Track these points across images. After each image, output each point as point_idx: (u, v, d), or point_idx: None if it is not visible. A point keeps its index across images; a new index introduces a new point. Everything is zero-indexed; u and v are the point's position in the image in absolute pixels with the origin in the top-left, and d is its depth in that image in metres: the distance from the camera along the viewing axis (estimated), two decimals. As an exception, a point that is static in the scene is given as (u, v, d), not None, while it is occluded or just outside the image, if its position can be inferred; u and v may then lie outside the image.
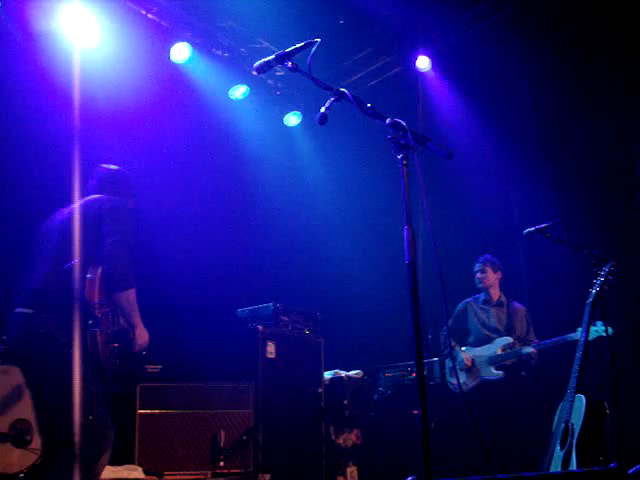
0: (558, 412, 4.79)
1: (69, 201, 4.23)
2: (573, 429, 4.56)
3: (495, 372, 6.60)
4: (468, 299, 7.17)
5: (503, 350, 6.61)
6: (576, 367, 4.72)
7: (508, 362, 6.60)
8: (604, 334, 5.67)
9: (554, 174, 7.33)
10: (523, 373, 6.62)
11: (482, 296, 7.04)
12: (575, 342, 5.79)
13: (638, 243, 6.59)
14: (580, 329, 5.77)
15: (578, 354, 4.78)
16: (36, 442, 4.86)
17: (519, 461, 6.00)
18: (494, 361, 6.63)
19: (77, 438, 3.64)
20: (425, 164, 3.16)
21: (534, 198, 7.40)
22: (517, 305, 6.93)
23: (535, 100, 7.24)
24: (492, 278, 6.95)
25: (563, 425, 4.63)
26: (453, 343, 7.01)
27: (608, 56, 6.63)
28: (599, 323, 5.73)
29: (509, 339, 6.64)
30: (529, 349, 6.43)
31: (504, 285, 7.05)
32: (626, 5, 6.38)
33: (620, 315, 6.29)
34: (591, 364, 4.85)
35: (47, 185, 5.86)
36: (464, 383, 6.77)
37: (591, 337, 5.77)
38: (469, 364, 6.74)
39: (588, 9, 6.50)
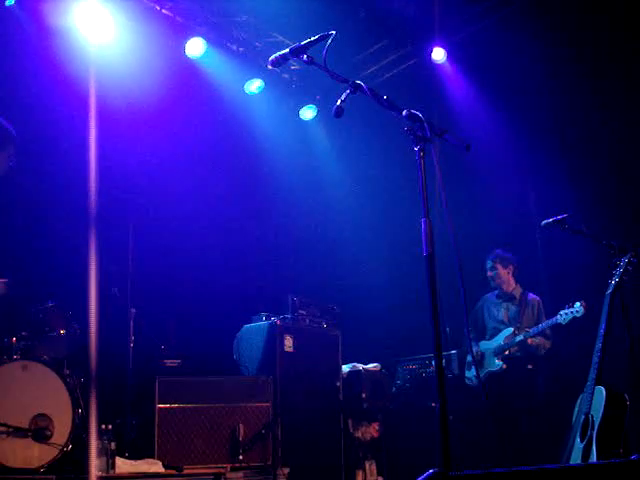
0: (578, 404, 4.76)
1: (85, 197, 4.25)
2: (593, 421, 4.53)
3: (497, 363, 6.64)
4: (485, 295, 7.20)
5: (504, 341, 6.65)
6: (596, 359, 4.69)
7: (512, 353, 6.61)
8: (577, 315, 5.78)
9: (571, 165, 7.28)
10: (530, 366, 6.61)
11: (496, 291, 7.12)
12: (556, 326, 6.14)
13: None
14: (561, 312, 5.88)
15: (598, 345, 4.74)
16: (56, 437, 4.89)
17: (531, 453, 6.00)
18: (497, 352, 6.68)
19: None
20: (442, 156, 3.15)
21: (551, 189, 7.36)
22: (531, 296, 6.93)
23: (551, 91, 7.19)
24: (503, 274, 6.99)
25: (583, 417, 4.61)
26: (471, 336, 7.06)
27: (624, 46, 6.57)
28: (577, 304, 5.80)
29: (510, 329, 6.67)
30: (520, 336, 6.47)
31: (521, 277, 7.04)
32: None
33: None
34: (612, 356, 4.82)
35: (62, 181, 5.91)
36: (475, 376, 6.81)
37: (567, 320, 5.86)
38: (479, 357, 6.79)
39: (610, 3, 6.43)
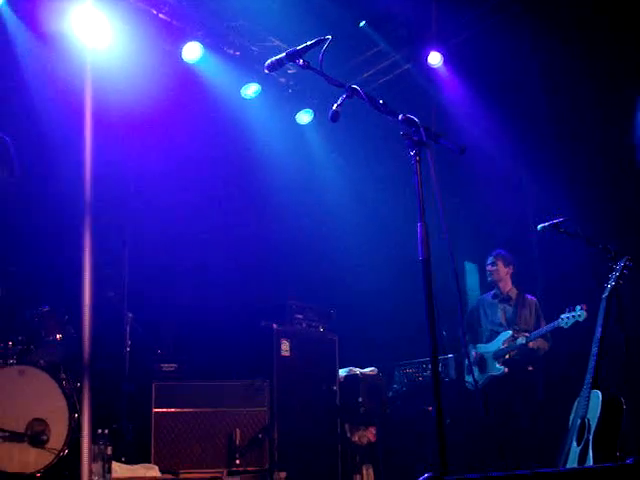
0: (574, 408, 4.77)
1: (81, 201, 4.25)
2: (589, 425, 4.53)
3: (498, 367, 6.63)
4: (480, 297, 7.21)
5: (504, 344, 6.64)
6: (592, 363, 4.70)
7: (512, 356, 6.61)
8: (580, 319, 5.78)
9: (568, 169, 7.31)
10: (530, 368, 6.62)
11: (492, 291, 7.11)
12: (558, 329, 6.08)
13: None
14: (562, 315, 5.88)
15: (594, 349, 4.74)
16: (53, 442, 4.88)
17: (531, 457, 5.99)
18: (497, 356, 6.67)
19: None
20: (438, 160, 3.16)
21: (548, 193, 7.37)
22: (528, 297, 6.94)
23: (548, 95, 7.20)
24: (503, 272, 6.99)
25: (579, 421, 4.61)
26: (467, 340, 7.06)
27: (621, 51, 6.58)
28: (578, 307, 5.80)
29: (509, 332, 6.66)
30: (522, 340, 6.47)
31: (518, 281, 7.05)
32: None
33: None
34: (608, 359, 4.82)
35: (59, 186, 5.90)
36: (475, 381, 6.81)
37: (569, 323, 5.86)
38: (478, 361, 6.79)
39: (602, 5, 6.44)
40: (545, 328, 6.38)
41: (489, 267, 7.05)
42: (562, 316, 5.99)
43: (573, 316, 5.90)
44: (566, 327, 5.99)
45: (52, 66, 6.03)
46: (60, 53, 6.07)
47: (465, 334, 7.08)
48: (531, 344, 6.48)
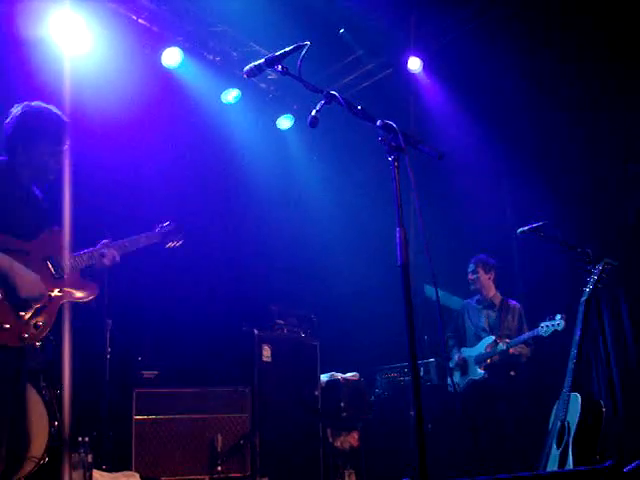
0: (554, 411, 4.80)
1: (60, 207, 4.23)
2: (569, 428, 4.57)
3: (479, 371, 6.65)
4: (465, 301, 7.22)
5: (486, 349, 6.67)
6: (571, 366, 4.73)
7: (493, 361, 6.63)
8: (559, 328, 5.82)
9: (547, 174, 7.35)
10: (512, 373, 6.64)
11: (477, 296, 7.11)
12: (538, 337, 6.15)
13: (633, 244, 6.62)
14: (542, 324, 5.93)
15: (573, 352, 4.78)
16: (33, 450, 4.83)
17: (512, 461, 6.02)
18: (478, 360, 6.69)
19: None
20: (418, 165, 3.17)
21: (527, 198, 7.41)
22: (512, 303, 6.96)
23: (528, 100, 7.24)
24: (484, 279, 7.00)
25: (559, 424, 4.64)
26: (450, 344, 7.09)
27: (602, 52, 6.61)
28: (558, 316, 5.85)
29: (492, 337, 6.69)
30: (502, 346, 6.51)
31: (499, 284, 7.07)
32: (625, 6, 6.35)
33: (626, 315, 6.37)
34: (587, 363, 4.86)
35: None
36: (457, 384, 6.82)
37: (548, 332, 5.91)
38: (461, 364, 6.81)
39: (584, 9, 6.48)
40: (525, 336, 6.42)
41: (470, 276, 7.06)
42: (542, 324, 6.03)
43: (552, 325, 5.93)
44: (545, 335, 6.03)
45: (30, 72, 5.98)
46: (38, 59, 6.02)
47: (450, 337, 7.12)
48: (511, 350, 6.51)
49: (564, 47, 6.78)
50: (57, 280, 4.04)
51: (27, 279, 3.78)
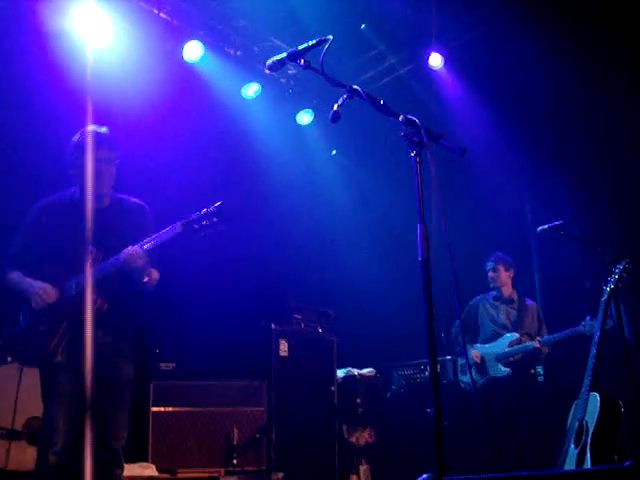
0: (572, 410, 4.77)
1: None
2: (587, 427, 4.54)
3: (502, 369, 6.60)
4: (480, 296, 7.17)
5: (510, 346, 6.61)
6: (590, 365, 4.70)
7: (515, 359, 6.58)
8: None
9: (568, 172, 7.30)
10: (532, 371, 6.61)
11: (494, 293, 7.06)
12: (579, 335, 5.94)
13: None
14: (583, 322, 5.82)
15: (592, 352, 4.75)
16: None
17: (530, 459, 5.99)
18: (501, 358, 6.63)
19: None
20: (438, 161, 3.15)
21: (547, 195, 7.37)
22: (529, 302, 6.92)
23: (548, 95, 7.20)
24: (504, 277, 6.96)
25: (577, 423, 4.61)
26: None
27: (622, 48, 6.57)
28: (587, 318, 5.74)
29: (516, 335, 6.64)
30: (534, 343, 6.44)
31: (517, 282, 7.04)
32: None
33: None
34: (607, 362, 4.83)
35: (59, 187, 5.88)
36: (471, 382, 6.79)
37: (591, 331, 5.80)
38: (478, 361, 6.75)
39: (604, 7, 6.44)
40: (563, 333, 6.22)
41: (490, 273, 7.01)
42: (582, 323, 5.89)
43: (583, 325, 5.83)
44: (588, 334, 5.84)
45: (53, 64, 6.01)
46: (61, 51, 6.05)
47: (456, 334, 7.08)
48: (544, 349, 6.43)
49: (587, 45, 6.73)
50: None
51: None
